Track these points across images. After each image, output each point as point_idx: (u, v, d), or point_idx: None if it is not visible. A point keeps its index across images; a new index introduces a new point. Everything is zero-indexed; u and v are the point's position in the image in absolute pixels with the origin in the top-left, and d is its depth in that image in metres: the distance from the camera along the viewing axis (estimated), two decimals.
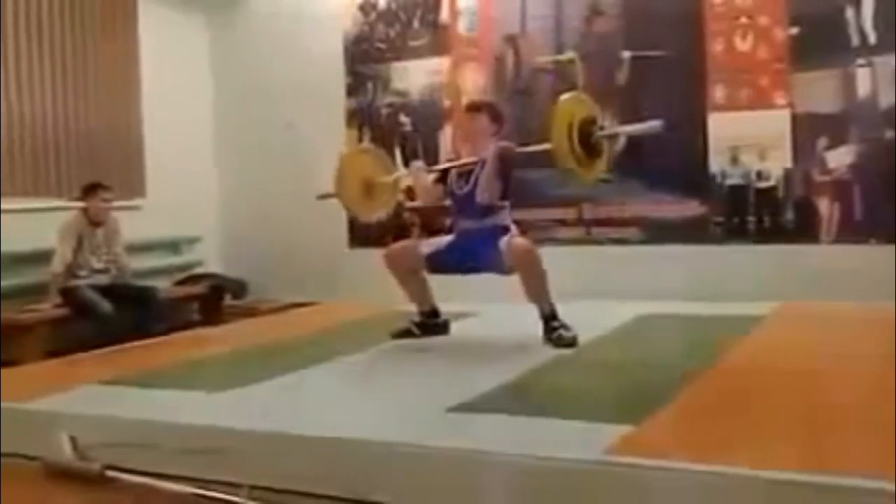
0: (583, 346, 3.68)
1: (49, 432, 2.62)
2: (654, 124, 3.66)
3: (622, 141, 5.75)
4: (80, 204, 5.44)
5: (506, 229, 3.80)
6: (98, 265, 5.41)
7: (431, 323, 4.05)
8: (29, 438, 2.70)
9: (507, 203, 3.87)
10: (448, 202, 4.05)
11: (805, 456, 2.10)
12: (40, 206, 5.61)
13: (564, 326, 3.72)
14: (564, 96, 3.62)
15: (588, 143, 3.53)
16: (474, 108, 4.07)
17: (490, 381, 2.99)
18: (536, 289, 3.71)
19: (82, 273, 5.32)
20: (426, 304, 4.06)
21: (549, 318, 3.74)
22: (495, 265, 3.74)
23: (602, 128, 3.60)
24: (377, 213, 4.30)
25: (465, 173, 3.89)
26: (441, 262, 3.90)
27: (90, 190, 5.41)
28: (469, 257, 3.81)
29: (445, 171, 4.03)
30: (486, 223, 3.82)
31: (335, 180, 4.08)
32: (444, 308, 4.18)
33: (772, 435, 2.30)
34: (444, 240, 3.99)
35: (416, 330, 4.02)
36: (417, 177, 4.12)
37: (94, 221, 5.39)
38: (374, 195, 4.20)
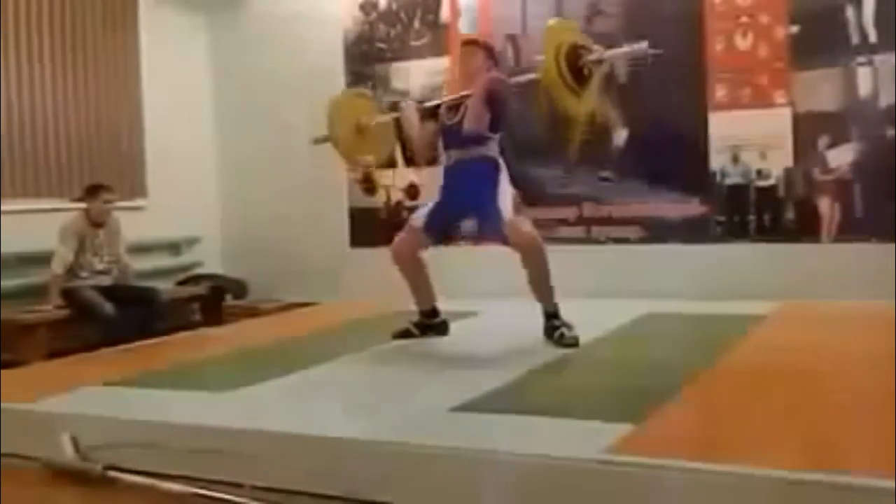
0: (584, 345, 3.68)
1: (51, 433, 2.62)
2: (641, 46, 3.59)
3: (623, 138, 5.76)
4: (82, 205, 5.44)
5: (494, 163, 3.79)
6: (100, 266, 5.41)
7: (431, 323, 4.05)
8: (30, 439, 2.70)
9: (496, 136, 3.84)
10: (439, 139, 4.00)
11: (806, 454, 2.10)
12: (42, 207, 5.61)
13: (567, 326, 3.72)
14: (552, 21, 3.61)
15: (577, 68, 3.48)
16: (471, 42, 4.08)
17: (492, 381, 2.99)
18: (539, 281, 3.71)
19: (84, 274, 5.32)
20: (427, 303, 4.06)
21: (552, 316, 3.74)
22: (489, 217, 3.70)
23: (591, 51, 3.56)
24: (369, 155, 4.31)
25: (456, 106, 3.88)
26: (437, 222, 3.88)
27: (92, 191, 5.40)
28: (462, 200, 3.79)
29: (437, 109, 3.99)
30: (472, 153, 3.80)
31: (328, 122, 4.07)
32: (445, 307, 4.19)
33: (773, 434, 2.30)
34: (431, 202, 3.96)
35: (415, 330, 4.03)
36: (407, 113, 4.08)
37: (95, 222, 5.39)
38: (366, 137, 4.21)
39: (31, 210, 5.54)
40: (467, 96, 3.81)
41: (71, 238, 5.27)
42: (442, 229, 3.95)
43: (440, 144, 4.02)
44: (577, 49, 3.52)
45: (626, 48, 3.75)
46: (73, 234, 5.29)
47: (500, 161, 3.83)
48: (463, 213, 3.90)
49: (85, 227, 5.35)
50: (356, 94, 4.45)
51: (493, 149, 3.84)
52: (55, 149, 5.85)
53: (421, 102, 4.10)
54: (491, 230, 3.75)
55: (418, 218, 3.95)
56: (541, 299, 3.76)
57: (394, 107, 6.41)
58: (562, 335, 3.68)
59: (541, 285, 3.73)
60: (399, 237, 4.03)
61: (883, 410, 2.42)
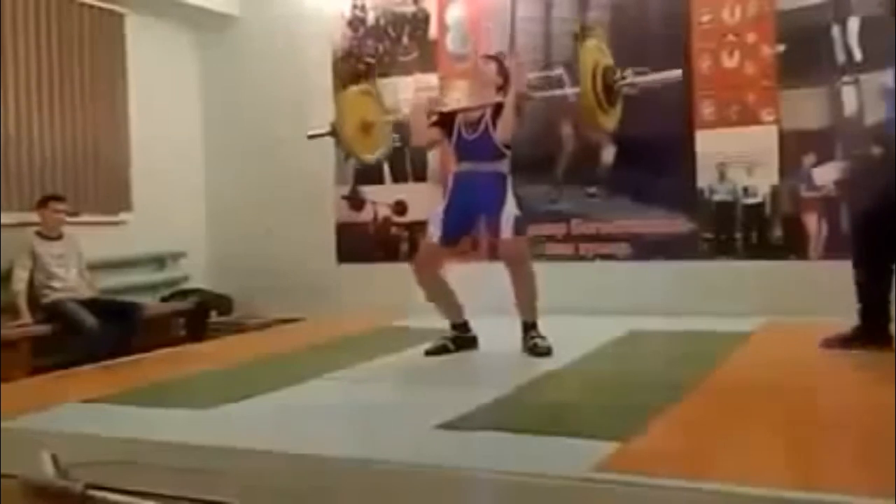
0: (572, 362, 3.68)
1: (31, 450, 2.58)
2: (674, 73, 3.93)
3: (610, 155, 5.78)
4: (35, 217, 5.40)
5: (504, 179, 3.93)
6: (72, 278, 5.36)
7: (465, 336, 4.10)
8: (10, 456, 2.66)
9: (509, 153, 3.97)
10: (451, 150, 4.11)
11: (793, 473, 2.08)
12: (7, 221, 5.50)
13: (541, 337, 3.89)
14: (589, 43, 3.84)
15: (609, 89, 3.78)
16: (488, 57, 4.33)
17: (478, 398, 2.97)
18: (525, 298, 3.91)
19: (57, 285, 5.27)
20: (458, 317, 4.11)
21: (530, 328, 3.92)
22: (491, 225, 3.89)
23: (624, 77, 3.82)
24: (374, 151, 4.45)
25: (475, 122, 3.99)
26: (452, 231, 3.99)
27: (42, 202, 5.39)
28: (473, 208, 3.95)
29: (446, 119, 4.08)
30: (488, 167, 3.93)
31: (336, 119, 4.25)
32: (433, 324, 4.17)
33: (760, 451, 2.28)
34: (439, 209, 4.05)
35: (450, 345, 4.05)
36: (416, 115, 4.24)
37: (47, 234, 5.35)
38: (370, 135, 4.36)
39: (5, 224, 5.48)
40: (483, 107, 3.97)
41: (22, 254, 5.25)
42: (457, 237, 4.06)
43: (453, 154, 4.13)
44: (611, 71, 3.81)
45: (658, 75, 4.07)
46: (24, 249, 5.26)
47: (509, 179, 3.96)
48: (474, 219, 4.04)
49: (36, 241, 5.31)
50: (362, 92, 4.52)
51: (506, 166, 3.97)
52: (40, 163, 5.80)
53: (432, 108, 4.22)
54: (491, 235, 3.98)
55: (433, 234, 4.01)
56: (523, 312, 3.93)
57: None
58: (535, 345, 3.84)
59: (525, 301, 3.92)
60: (418, 257, 4.13)
61: (872, 427, 2.41)
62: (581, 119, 3.90)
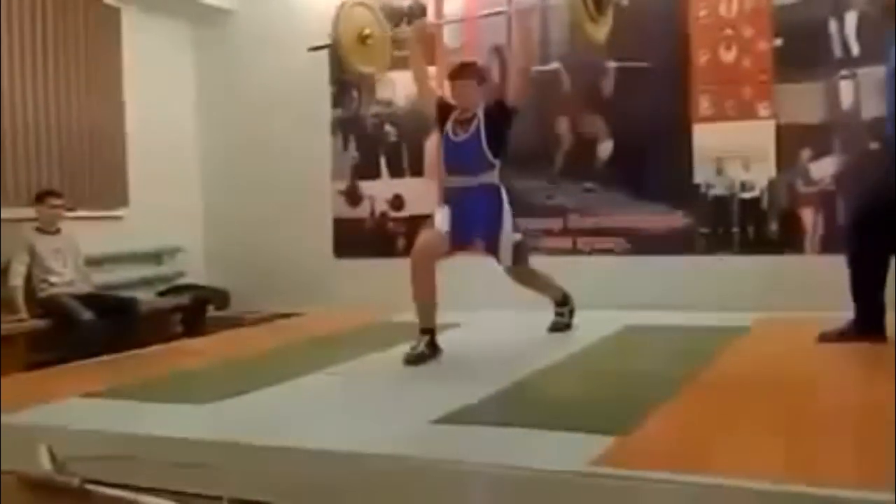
0: (568, 357, 3.68)
1: (28, 445, 2.57)
2: None
3: (608, 150, 5.77)
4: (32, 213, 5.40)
5: (498, 191, 3.83)
6: (70, 273, 5.36)
7: (435, 345, 3.75)
8: (7, 451, 2.65)
9: (498, 164, 3.84)
10: (441, 153, 4.04)
11: (789, 466, 2.09)
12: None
13: (563, 314, 4.25)
14: None
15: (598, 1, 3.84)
16: (460, 74, 3.88)
17: (474, 393, 2.97)
18: (540, 291, 4.25)
19: (54, 279, 5.27)
20: (433, 322, 3.74)
21: (557, 304, 4.32)
22: (492, 248, 3.86)
23: None
24: (369, 65, 4.46)
25: (465, 122, 3.82)
26: (455, 235, 3.75)
27: (40, 197, 5.41)
28: (469, 226, 3.78)
29: (444, 108, 3.96)
30: (479, 180, 3.80)
31: (333, 27, 4.28)
32: None
33: (759, 445, 2.29)
34: (445, 213, 3.78)
35: (430, 354, 3.71)
36: (420, 65, 4.26)
37: (45, 229, 5.35)
38: (367, 48, 4.39)
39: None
40: (481, 106, 3.83)
41: (20, 250, 5.25)
42: (458, 242, 3.80)
43: (442, 159, 4.03)
44: None
45: None
46: (22, 245, 5.27)
47: (503, 190, 3.86)
48: (471, 236, 3.84)
49: (33, 236, 5.31)
50: (359, 4, 4.51)
51: (495, 176, 3.86)
52: (36, 158, 5.79)
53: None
54: (494, 255, 3.91)
55: (441, 224, 3.75)
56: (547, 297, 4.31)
57: (378, 119, 6.49)
58: (554, 324, 4.25)
59: (542, 292, 4.30)
60: (423, 237, 3.79)
61: (869, 421, 2.42)
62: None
